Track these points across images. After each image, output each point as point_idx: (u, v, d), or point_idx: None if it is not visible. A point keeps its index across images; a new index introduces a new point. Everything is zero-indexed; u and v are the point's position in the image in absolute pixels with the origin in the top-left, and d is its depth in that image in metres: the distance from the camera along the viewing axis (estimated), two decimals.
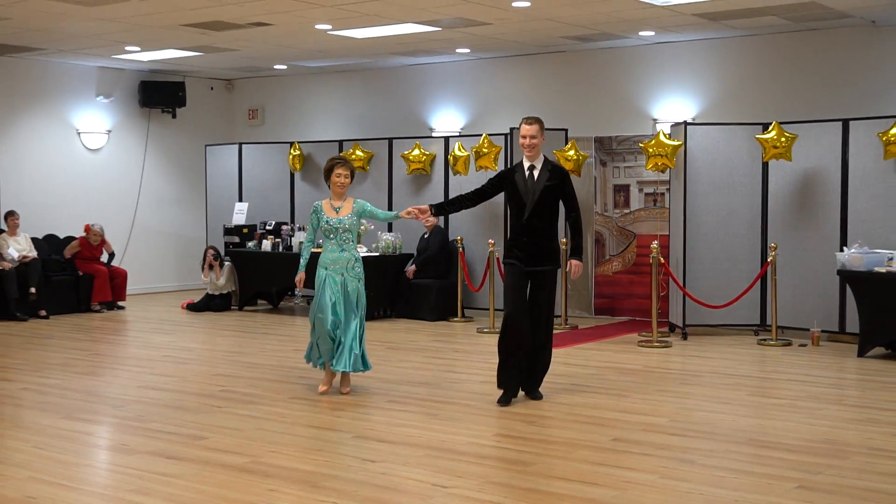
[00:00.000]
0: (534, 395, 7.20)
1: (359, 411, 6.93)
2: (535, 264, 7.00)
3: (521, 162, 7.15)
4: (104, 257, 13.25)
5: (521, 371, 7.09)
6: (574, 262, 7.09)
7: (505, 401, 7.01)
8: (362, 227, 12.14)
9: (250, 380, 8.23)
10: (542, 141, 7.09)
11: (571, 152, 11.53)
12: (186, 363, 9.31)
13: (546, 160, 7.13)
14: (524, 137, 7.04)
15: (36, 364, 9.15)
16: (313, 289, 7.50)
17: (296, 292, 13.74)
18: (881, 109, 10.58)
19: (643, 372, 8.63)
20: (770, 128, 10.12)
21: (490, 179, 7.37)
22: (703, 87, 12.25)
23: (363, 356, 7.49)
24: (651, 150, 10.48)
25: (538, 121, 7.11)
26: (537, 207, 6.98)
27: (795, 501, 4.85)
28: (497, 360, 7.12)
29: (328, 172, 7.53)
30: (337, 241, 7.41)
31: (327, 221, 7.39)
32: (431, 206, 7.45)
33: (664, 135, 10.47)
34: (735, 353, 9.53)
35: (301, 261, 7.60)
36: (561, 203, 7.14)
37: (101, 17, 10.75)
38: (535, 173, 7.04)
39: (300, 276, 7.57)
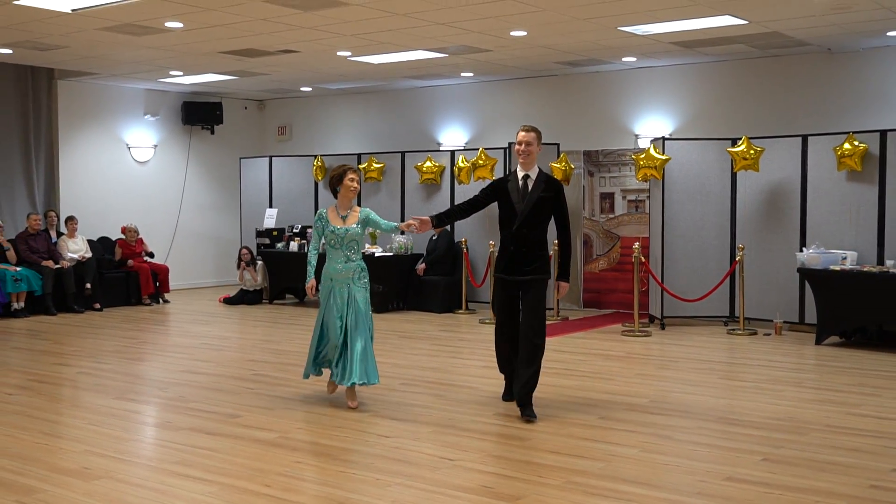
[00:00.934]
0: (527, 411, 6.03)
1: (375, 392, 6.91)
2: (524, 274, 6.08)
3: (516, 171, 6.22)
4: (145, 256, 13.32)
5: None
6: (563, 283, 6.31)
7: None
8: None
9: (279, 365, 8.23)
10: (538, 150, 6.20)
11: (562, 164, 11.56)
12: (223, 350, 9.32)
13: (541, 171, 6.21)
14: (520, 143, 6.14)
15: (91, 351, 9.17)
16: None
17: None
18: (836, 126, 10.57)
19: (626, 358, 8.62)
20: (740, 142, 10.11)
21: (483, 189, 6.39)
22: (679, 106, 12.23)
23: (373, 368, 6.37)
24: (642, 163, 10.47)
25: (535, 129, 6.22)
26: (529, 218, 6.06)
27: (760, 472, 4.84)
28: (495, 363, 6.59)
29: (339, 178, 6.41)
30: (343, 250, 6.36)
31: (333, 231, 6.34)
32: (432, 217, 6.39)
33: (655, 149, 10.46)
34: (707, 342, 9.51)
35: (308, 268, 6.51)
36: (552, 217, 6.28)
37: (148, 45, 10.78)
38: (530, 183, 6.12)
39: (311, 283, 6.52)
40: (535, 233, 6.12)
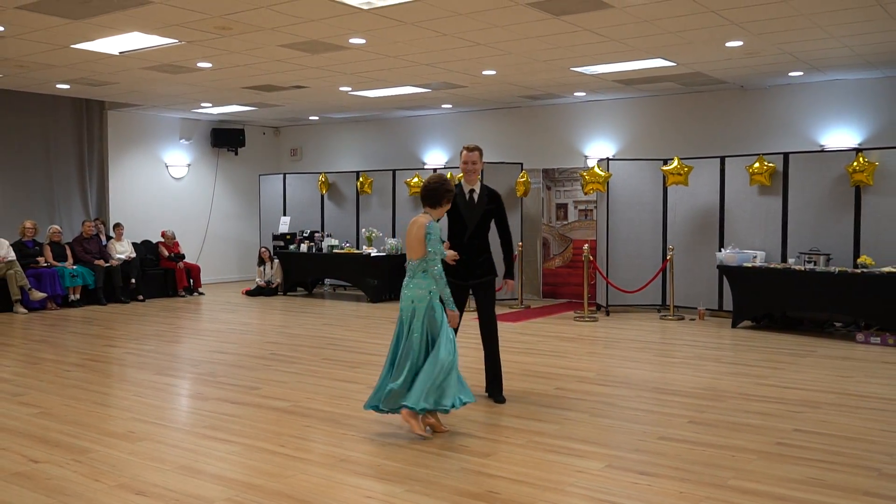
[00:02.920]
0: (498, 398, 5.67)
1: (373, 370, 6.90)
2: (476, 277, 5.59)
3: (461, 184, 5.65)
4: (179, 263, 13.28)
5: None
6: (509, 281, 5.82)
7: None
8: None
9: (292, 346, 8.19)
10: (481, 167, 5.68)
11: (524, 179, 11.59)
12: (245, 333, 9.27)
13: (483, 185, 5.69)
14: (465, 163, 5.60)
15: (135, 335, 9.10)
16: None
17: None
18: (748, 149, 10.66)
19: (577, 339, 8.64)
20: (672, 160, 10.16)
21: None
22: (621, 132, 12.29)
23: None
24: (588, 178, 10.50)
25: (478, 148, 5.68)
26: (476, 230, 5.58)
27: (687, 432, 4.86)
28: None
29: (448, 198, 4.92)
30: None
31: (441, 249, 4.85)
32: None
33: (598, 167, 10.50)
34: (643, 326, 9.55)
35: (447, 292, 4.82)
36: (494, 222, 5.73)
37: (183, 82, 10.70)
38: (475, 197, 5.62)
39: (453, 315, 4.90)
40: (482, 240, 5.63)
